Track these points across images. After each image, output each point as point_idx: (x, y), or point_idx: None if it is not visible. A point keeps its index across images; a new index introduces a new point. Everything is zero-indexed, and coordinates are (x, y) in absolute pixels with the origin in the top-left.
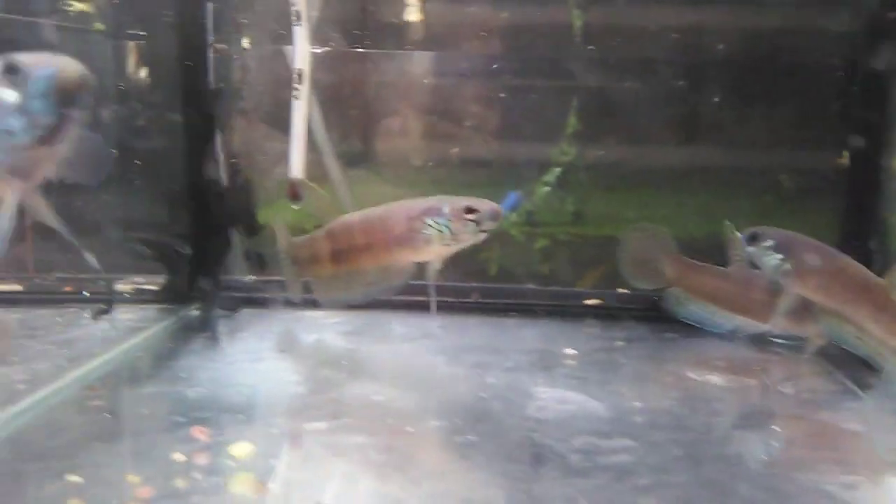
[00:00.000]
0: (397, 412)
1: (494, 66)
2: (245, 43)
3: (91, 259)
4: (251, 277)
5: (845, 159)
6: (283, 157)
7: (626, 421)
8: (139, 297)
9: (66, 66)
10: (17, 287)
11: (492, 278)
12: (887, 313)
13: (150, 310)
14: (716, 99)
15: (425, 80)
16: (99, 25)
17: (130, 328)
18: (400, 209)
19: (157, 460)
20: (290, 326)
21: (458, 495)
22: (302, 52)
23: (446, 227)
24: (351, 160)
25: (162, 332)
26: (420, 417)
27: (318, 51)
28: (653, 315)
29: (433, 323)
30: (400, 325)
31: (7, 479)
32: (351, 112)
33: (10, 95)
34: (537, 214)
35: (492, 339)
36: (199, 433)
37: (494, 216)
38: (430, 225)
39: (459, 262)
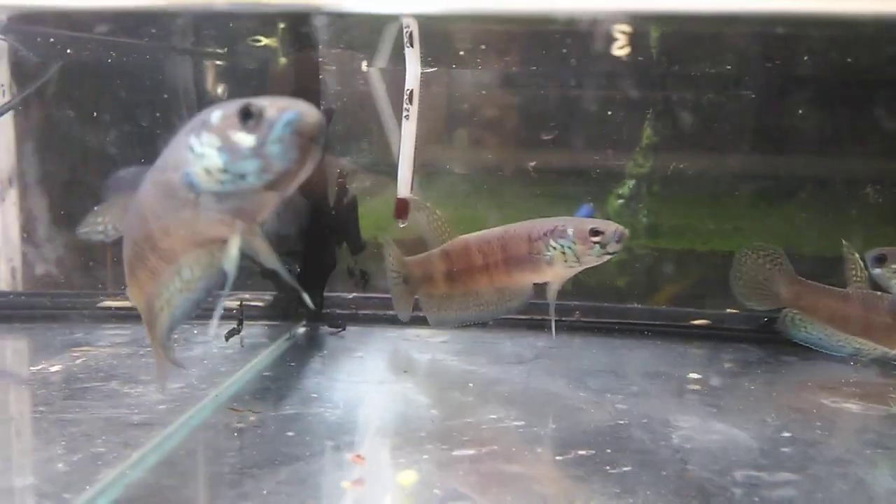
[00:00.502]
0: (541, 439)
1: (571, 79)
2: (363, 65)
3: (307, 299)
4: (355, 294)
5: None
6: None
7: (779, 452)
8: (247, 315)
9: (307, 111)
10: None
11: (569, 294)
12: None
13: (258, 327)
14: (800, 111)
15: (502, 96)
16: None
17: (247, 346)
18: (521, 230)
19: (323, 487)
20: (400, 345)
21: None
22: (413, 73)
23: (570, 248)
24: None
25: (278, 351)
26: (566, 445)
27: (428, 71)
28: (762, 337)
29: (541, 342)
30: (510, 344)
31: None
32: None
33: (247, 140)
34: None
35: (605, 361)
36: (357, 460)
37: (620, 238)
38: (553, 247)
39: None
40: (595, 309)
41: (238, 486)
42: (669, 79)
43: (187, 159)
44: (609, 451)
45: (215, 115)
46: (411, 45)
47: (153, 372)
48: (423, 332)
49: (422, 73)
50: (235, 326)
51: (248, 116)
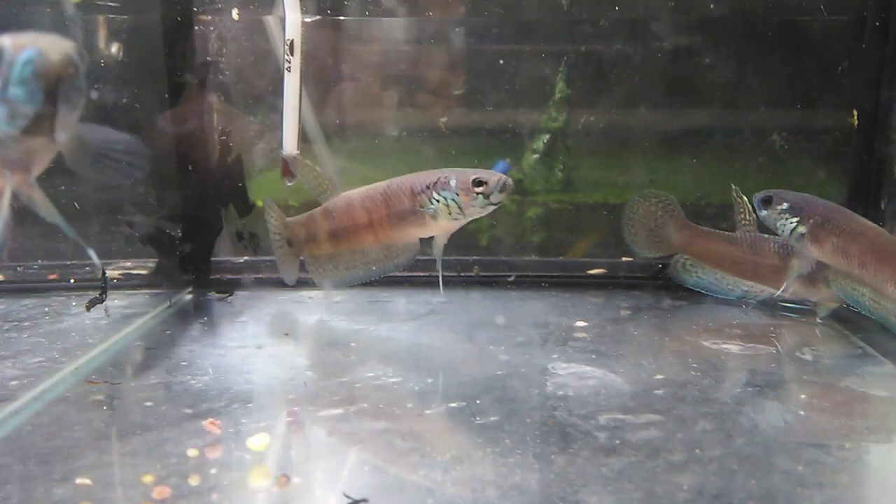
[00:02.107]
0: (414, 395)
1: (480, 31)
2: (234, 14)
3: (93, 254)
4: (244, 258)
5: (854, 118)
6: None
7: (649, 395)
8: (129, 283)
9: (51, 47)
10: None
11: (484, 249)
12: None
13: (141, 295)
14: (707, 60)
15: (408, 48)
16: None
17: (123, 316)
18: (404, 183)
19: (171, 456)
20: (289, 308)
21: (488, 480)
22: (293, 21)
23: (454, 200)
24: (333, 132)
25: (156, 319)
26: (438, 399)
27: (309, 20)
28: (657, 283)
29: (436, 298)
30: (403, 302)
31: (13, 484)
32: (331, 82)
33: None
34: (527, 183)
35: (498, 314)
36: (211, 426)
37: (504, 188)
38: (436, 199)
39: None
40: (493, 263)
41: (78, 459)
42: (581, 30)
43: None
44: (479, 402)
45: None
46: None
47: (15, 347)
48: (316, 294)
49: (303, 22)
50: (97, 295)
51: None
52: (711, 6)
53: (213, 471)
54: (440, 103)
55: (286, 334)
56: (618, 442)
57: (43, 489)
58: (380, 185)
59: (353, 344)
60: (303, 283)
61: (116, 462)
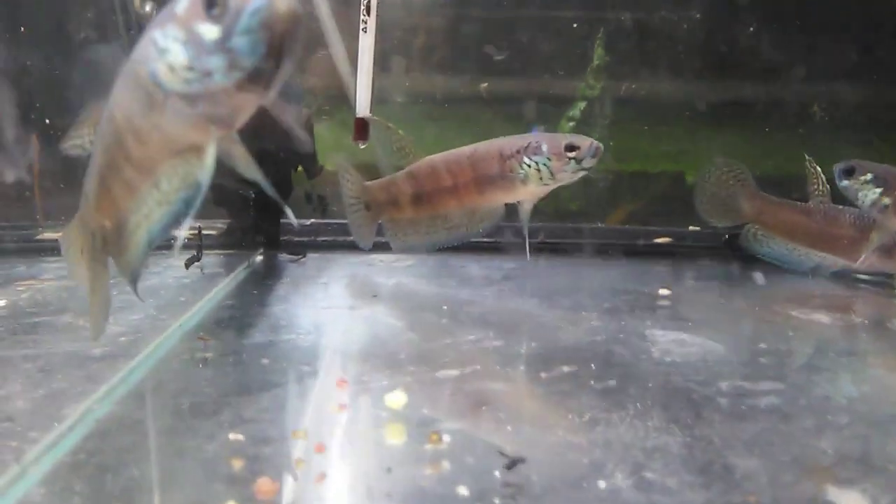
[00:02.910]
0: (523, 359)
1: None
2: None
3: (291, 216)
4: (313, 220)
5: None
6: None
7: (757, 363)
8: (202, 243)
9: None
10: None
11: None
12: None
13: (213, 256)
14: (751, 29)
15: (446, 14)
16: None
17: (205, 275)
18: (493, 148)
19: (307, 411)
20: (364, 271)
21: (632, 443)
22: None
23: (545, 165)
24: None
25: (237, 279)
26: (548, 362)
27: None
28: (723, 253)
29: (507, 264)
30: (476, 267)
31: (159, 437)
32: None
33: (210, 32)
34: None
35: (573, 280)
36: (341, 384)
37: (595, 153)
38: (527, 164)
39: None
40: (558, 230)
41: (217, 415)
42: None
43: (152, 55)
44: (592, 366)
45: (180, 3)
46: None
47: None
48: (386, 258)
49: None
50: (195, 254)
51: (212, 5)
52: None
53: (359, 427)
54: (481, 71)
55: (374, 296)
56: (744, 408)
57: (194, 444)
58: (466, 149)
59: (444, 307)
60: (374, 247)
61: (256, 417)
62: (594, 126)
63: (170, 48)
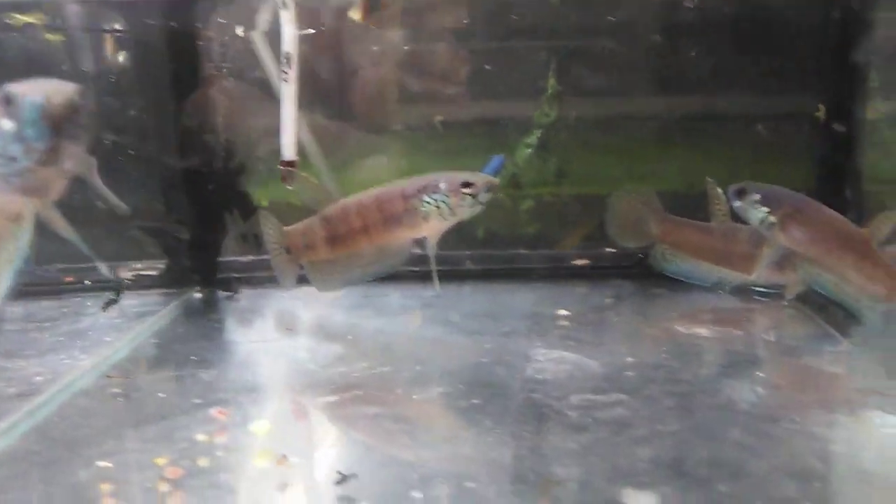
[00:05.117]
0: (404, 382)
1: (472, 30)
2: (238, 30)
3: (104, 268)
4: (248, 258)
5: (822, 112)
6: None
7: (620, 377)
8: (140, 284)
9: (54, 92)
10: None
11: (480, 242)
12: (868, 262)
13: (152, 295)
14: (692, 53)
15: (405, 46)
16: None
17: (137, 314)
18: (396, 189)
19: (181, 441)
20: (292, 304)
21: (468, 456)
22: (289, 35)
23: (444, 202)
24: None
25: (169, 317)
26: (426, 385)
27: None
28: (640, 272)
29: (429, 293)
30: (398, 296)
31: (40, 468)
32: (328, 84)
33: (7, 125)
34: (521, 176)
35: (487, 305)
36: (220, 414)
37: (490, 188)
38: (427, 202)
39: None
40: (485, 256)
41: (102, 445)
42: (570, 27)
43: None
44: (462, 386)
45: None
46: (285, 7)
47: (38, 346)
48: (314, 291)
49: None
50: (112, 297)
51: (8, 102)
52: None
53: (217, 453)
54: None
55: (289, 329)
56: (589, 420)
57: (69, 471)
58: (372, 192)
59: (349, 337)
60: (304, 280)
61: (131, 448)
62: (551, 151)
63: None
